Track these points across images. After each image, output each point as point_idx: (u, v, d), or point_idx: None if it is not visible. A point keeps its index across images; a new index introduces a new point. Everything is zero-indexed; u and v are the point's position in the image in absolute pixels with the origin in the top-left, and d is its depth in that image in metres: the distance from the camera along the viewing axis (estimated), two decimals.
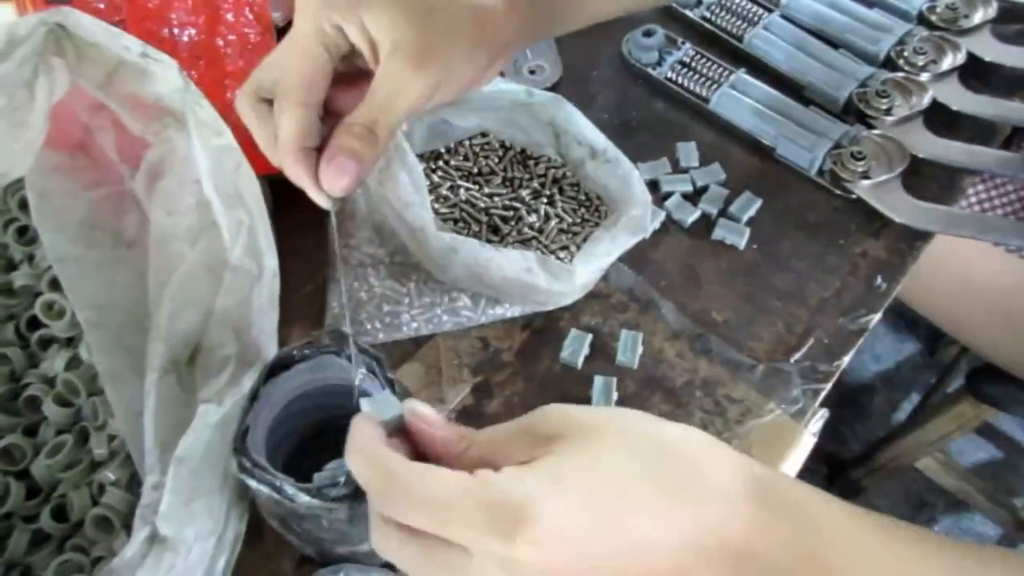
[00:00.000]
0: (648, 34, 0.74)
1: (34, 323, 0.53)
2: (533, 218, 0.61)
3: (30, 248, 0.55)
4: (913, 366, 1.54)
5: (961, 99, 0.71)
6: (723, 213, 0.66)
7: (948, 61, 0.72)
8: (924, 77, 0.71)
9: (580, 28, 0.54)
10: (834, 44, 0.75)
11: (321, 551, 0.45)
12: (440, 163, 0.64)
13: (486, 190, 0.62)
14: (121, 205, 0.53)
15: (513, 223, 0.61)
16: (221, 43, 0.62)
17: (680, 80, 0.72)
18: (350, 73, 0.43)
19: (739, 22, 0.76)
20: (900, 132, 0.68)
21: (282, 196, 0.55)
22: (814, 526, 0.32)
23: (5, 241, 0.55)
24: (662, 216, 0.66)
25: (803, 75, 0.72)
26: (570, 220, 0.61)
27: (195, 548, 0.41)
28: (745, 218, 0.66)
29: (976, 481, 1.24)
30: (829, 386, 0.59)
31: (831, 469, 1.39)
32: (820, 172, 0.68)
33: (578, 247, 0.60)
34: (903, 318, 1.55)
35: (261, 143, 0.43)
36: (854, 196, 0.66)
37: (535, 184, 0.63)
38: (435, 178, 0.63)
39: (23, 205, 0.53)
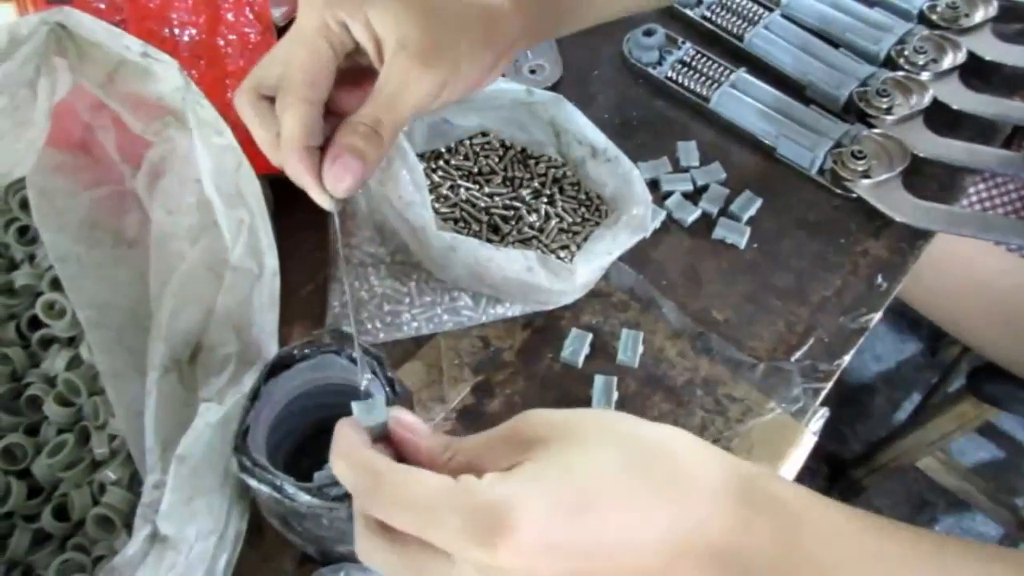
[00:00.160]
0: (649, 33, 0.74)
1: (35, 323, 0.53)
2: (533, 217, 0.61)
3: (31, 248, 0.55)
4: (914, 365, 1.53)
5: (962, 98, 0.71)
6: (724, 212, 0.66)
7: (949, 60, 0.72)
8: (925, 76, 0.71)
9: (584, 28, 0.54)
10: (835, 43, 0.75)
11: (322, 550, 0.45)
12: (441, 162, 0.64)
13: (486, 189, 0.62)
14: (122, 204, 0.53)
15: (514, 222, 0.61)
16: (222, 43, 0.62)
17: (681, 79, 0.72)
18: (352, 72, 0.43)
19: (740, 21, 0.76)
20: (901, 131, 0.68)
21: (283, 196, 0.55)
22: (798, 523, 0.32)
23: (6, 241, 0.55)
24: (663, 215, 0.66)
25: (804, 74, 0.72)
26: (570, 219, 0.61)
27: (196, 547, 0.41)
28: (746, 217, 0.66)
29: (977, 481, 1.24)
30: (830, 385, 0.59)
31: (832, 469, 1.38)
32: (821, 171, 0.68)
33: (578, 246, 0.60)
34: (904, 317, 1.55)
35: (261, 142, 0.42)
36: (855, 195, 0.66)
37: (535, 183, 0.63)
38: (436, 177, 0.63)
39: (24, 205, 0.53)
